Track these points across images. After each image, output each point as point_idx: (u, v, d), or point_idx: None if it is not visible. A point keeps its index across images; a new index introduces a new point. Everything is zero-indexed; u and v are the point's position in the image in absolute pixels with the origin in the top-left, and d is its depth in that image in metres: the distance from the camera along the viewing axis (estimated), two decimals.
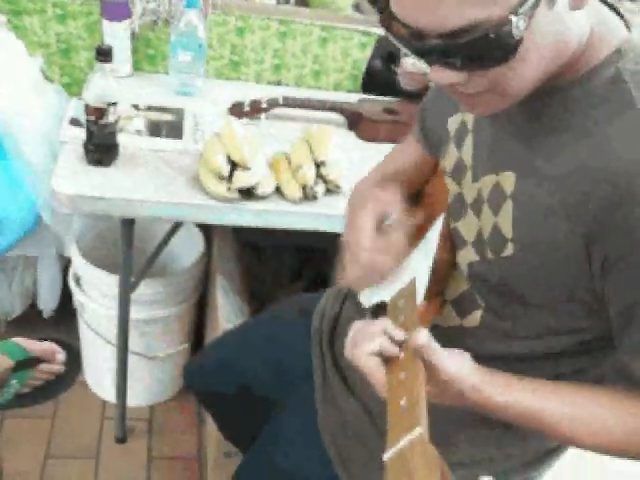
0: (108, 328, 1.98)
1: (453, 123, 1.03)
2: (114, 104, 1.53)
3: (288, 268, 2.27)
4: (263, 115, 1.87)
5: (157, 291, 1.96)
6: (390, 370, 0.84)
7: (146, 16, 2.03)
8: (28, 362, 1.34)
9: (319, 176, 1.58)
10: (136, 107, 1.78)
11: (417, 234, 1.03)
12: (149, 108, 1.80)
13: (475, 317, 0.96)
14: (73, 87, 2.06)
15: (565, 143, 0.80)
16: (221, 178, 1.50)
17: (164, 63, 2.07)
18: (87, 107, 1.52)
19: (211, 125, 1.77)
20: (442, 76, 0.75)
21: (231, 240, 2.13)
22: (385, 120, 1.89)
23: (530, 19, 0.69)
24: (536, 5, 0.69)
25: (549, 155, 0.82)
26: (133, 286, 1.80)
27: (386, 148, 1.82)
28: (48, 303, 2.26)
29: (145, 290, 1.90)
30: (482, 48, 0.70)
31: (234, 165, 1.51)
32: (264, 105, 1.86)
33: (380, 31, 2.15)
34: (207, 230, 2.19)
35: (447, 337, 0.89)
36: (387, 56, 2.28)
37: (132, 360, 1.99)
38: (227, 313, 1.82)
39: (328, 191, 1.62)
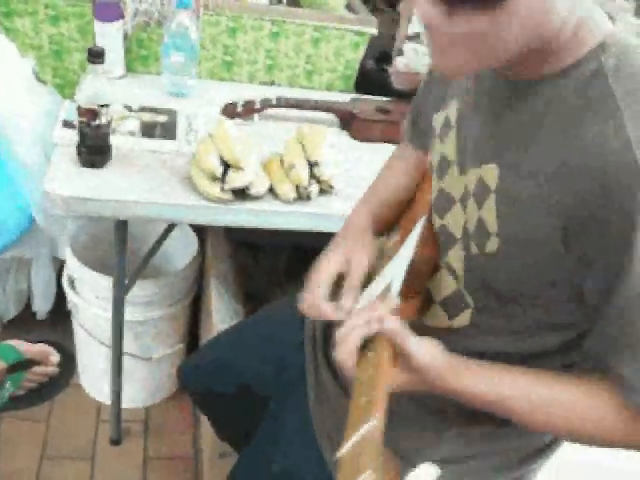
0: (102, 330, 1.98)
1: (438, 119, 1.04)
2: (107, 105, 1.53)
3: (282, 268, 2.27)
4: (256, 115, 1.87)
5: (151, 292, 1.96)
6: (359, 368, 0.85)
7: (138, 17, 2.03)
8: (22, 364, 1.33)
9: (313, 176, 1.58)
10: (129, 108, 1.78)
11: (402, 238, 1.05)
12: (142, 109, 1.80)
13: (465, 317, 0.96)
14: (66, 89, 2.06)
15: (546, 137, 0.81)
16: (214, 179, 1.50)
17: (157, 64, 2.07)
18: (79, 109, 1.51)
19: (204, 126, 1.77)
20: (425, 11, 0.74)
21: (225, 240, 2.13)
22: (378, 120, 1.89)
23: None
24: None
25: (529, 149, 0.82)
26: (127, 287, 1.80)
27: (379, 147, 1.84)
28: (42, 305, 2.26)
29: (139, 291, 1.90)
30: None
31: (227, 166, 1.51)
32: (257, 105, 1.86)
33: (373, 31, 2.15)
34: (201, 231, 2.19)
35: (437, 338, 0.90)
36: (380, 56, 2.29)
37: (127, 361, 1.99)
38: (221, 314, 1.82)
39: (322, 191, 1.62)
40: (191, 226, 2.19)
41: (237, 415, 1.46)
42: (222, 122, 1.58)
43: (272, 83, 2.18)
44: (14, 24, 1.96)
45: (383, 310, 0.88)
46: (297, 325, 1.34)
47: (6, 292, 2.24)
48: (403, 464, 1.03)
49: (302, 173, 1.55)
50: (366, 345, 0.87)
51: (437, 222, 1.00)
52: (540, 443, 1.11)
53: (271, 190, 1.58)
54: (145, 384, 2.22)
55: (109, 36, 1.93)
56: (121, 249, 1.68)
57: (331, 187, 1.61)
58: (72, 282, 2.05)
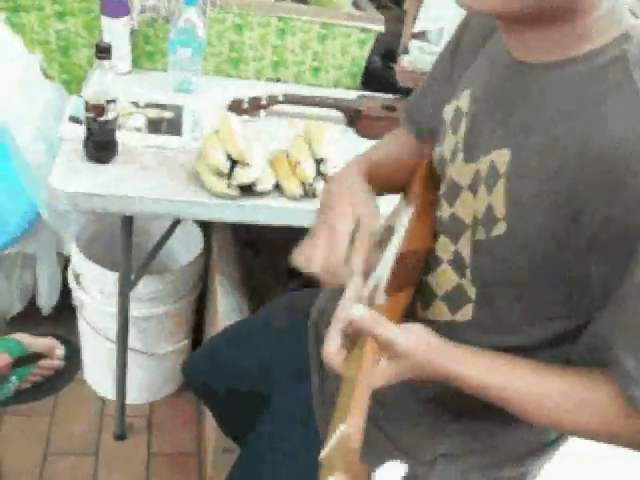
0: (107, 325, 1.98)
1: (449, 111, 1.04)
2: (113, 101, 1.53)
3: (286, 265, 2.27)
4: (262, 112, 1.87)
5: (156, 288, 1.96)
6: (345, 365, 0.85)
7: (145, 13, 2.03)
8: (28, 358, 1.34)
9: (319, 173, 1.58)
10: (135, 104, 1.78)
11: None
12: (148, 105, 1.80)
13: (467, 311, 0.96)
14: (73, 85, 2.06)
15: (562, 119, 0.81)
16: (220, 175, 1.50)
17: (163, 60, 2.07)
18: (86, 104, 1.52)
19: (210, 122, 1.77)
20: None
21: (230, 237, 2.13)
22: (384, 117, 1.89)
23: None
24: None
25: (545, 131, 0.82)
26: (132, 283, 1.80)
27: None
28: (47, 300, 2.27)
29: (144, 287, 1.91)
30: None
31: (233, 162, 1.51)
32: (263, 102, 1.86)
33: (379, 28, 2.15)
34: (206, 227, 2.20)
35: (440, 332, 0.91)
36: (385, 53, 2.28)
37: (131, 357, 1.99)
38: (226, 310, 1.82)
39: None
40: (196, 222, 2.19)
41: (238, 412, 1.47)
42: (228, 118, 1.58)
43: (278, 80, 2.18)
44: (21, 19, 1.96)
45: (358, 308, 0.86)
46: (295, 323, 1.34)
47: (11, 287, 2.24)
48: (406, 460, 1.03)
49: (308, 170, 1.55)
50: (355, 342, 0.87)
51: (446, 211, 1.00)
52: (541, 441, 1.11)
53: (277, 186, 1.58)
54: (149, 380, 2.22)
55: (116, 32, 1.93)
56: (127, 245, 1.69)
57: None
58: (77, 278, 2.06)
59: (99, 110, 1.51)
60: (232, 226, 2.13)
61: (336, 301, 1.26)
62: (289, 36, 2.11)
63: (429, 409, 1.06)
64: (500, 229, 0.87)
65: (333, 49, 2.16)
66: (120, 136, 1.61)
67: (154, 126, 1.73)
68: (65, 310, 2.24)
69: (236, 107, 1.84)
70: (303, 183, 1.56)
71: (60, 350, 1.39)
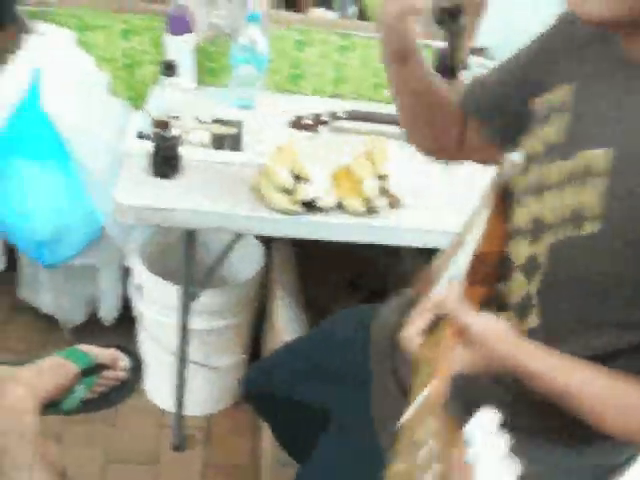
0: (167, 337, 2.00)
1: (541, 103, 1.02)
2: (178, 117, 1.56)
3: (346, 279, 2.27)
4: (324, 128, 1.88)
5: (217, 302, 1.98)
6: (424, 348, 0.87)
7: (209, 30, 2.07)
8: (93, 369, 1.36)
9: (381, 190, 1.58)
10: (199, 120, 1.81)
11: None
12: (211, 121, 1.83)
13: (534, 319, 0.96)
14: (137, 100, 2.10)
15: None
16: (283, 191, 1.52)
17: (225, 76, 2.10)
18: (152, 120, 1.55)
19: (271, 138, 1.79)
20: None
21: (290, 252, 2.15)
22: None
23: None
24: None
25: None
26: (193, 296, 1.82)
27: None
28: (109, 311, 2.31)
29: (205, 300, 1.93)
30: None
31: (296, 178, 1.52)
32: (325, 118, 1.87)
33: (439, 44, 2.15)
34: (266, 241, 2.21)
35: None
36: (445, 69, 2.27)
37: (191, 369, 2.02)
38: (286, 324, 1.83)
39: (390, 205, 1.62)
40: (257, 237, 2.21)
41: (297, 426, 1.47)
42: (291, 135, 1.60)
43: (339, 96, 2.19)
44: (90, 39, 2.02)
45: (449, 294, 0.89)
46: (359, 338, 1.34)
47: (74, 298, 2.29)
48: None
49: (370, 186, 1.55)
50: (433, 329, 0.89)
51: (525, 211, 0.99)
52: (607, 465, 1.09)
53: (339, 203, 1.59)
54: (208, 392, 2.24)
55: (180, 49, 1.97)
56: (189, 258, 1.71)
57: (399, 201, 1.61)
58: (138, 290, 2.09)
59: (164, 126, 1.54)
60: (292, 241, 2.15)
61: (398, 315, 1.26)
62: (350, 52, 2.12)
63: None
64: (593, 227, 0.86)
65: None
66: (183, 151, 1.64)
67: (216, 142, 1.76)
68: (126, 321, 2.28)
69: (298, 123, 1.86)
70: (365, 199, 1.57)
71: (124, 362, 1.41)
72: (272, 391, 1.46)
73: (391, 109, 2.06)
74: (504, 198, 1.06)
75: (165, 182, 1.59)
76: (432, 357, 0.83)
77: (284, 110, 1.96)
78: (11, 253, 2.31)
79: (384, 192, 1.59)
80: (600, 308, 0.89)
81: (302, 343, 1.51)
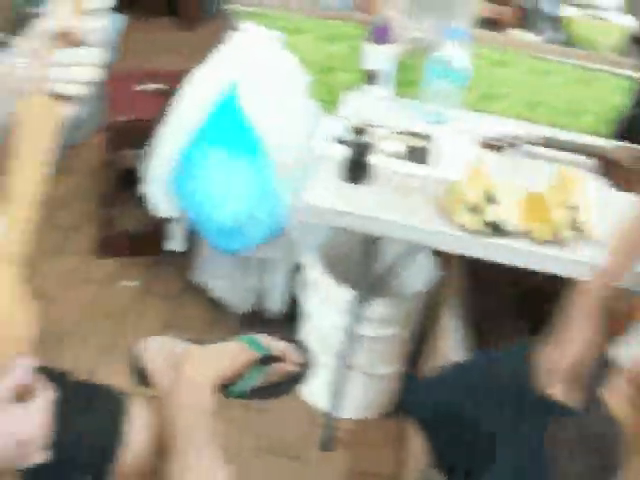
0: (332, 338, 2.04)
1: None
2: (374, 125, 1.59)
3: (518, 306, 2.23)
4: (514, 151, 1.86)
5: (385, 311, 1.99)
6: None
7: (409, 42, 2.09)
8: (268, 359, 1.41)
9: (570, 220, 1.54)
10: (391, 130, 1.83)
11: None
12: (403, 132, 1.85)
13: None
14: (330, 104, 2.15)
15: None
16: (471, 210, 1.51)
17: (418, 89, 2.11)
18: (350, 126, 1.58)
19: (460, 155, 1.78)
20: None
21: (464, 270, 2.13)
22: None
23: None
24: None
25: None
26: (365, 302, 1.84)
27: None
28: (276, 305, 2.38)
29: (374, 308, 1.94)
30: None
31: (486, 199, 1.51)
32: (516, 141, 1.84)
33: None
34: (441, 257, 2.20)
35: None
36: None
37: (349, 373, 2.04)
38: (451, 342, 1.82)
39: (577, 237, 1.57)
40: (432, 251, 2.20)
41: (456, 443, 1.46)
42: (480, 154, 1.59)
43: (531, 120, 2.15)
44: (296, 40, 2.09)
45: None
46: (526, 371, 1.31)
47: (244, 287, 2.38)
48: None
49: (560, 216, 1.52)
50: None
51: None
52: None
53: (525, 228, 1.56)
54: (362, 397, 2.26)
55: (380, 59, 1.99)
56: (366, 265, 1.74)
57: (586, 233, 1.57)
58: (309, 287, 2.14)
59: (360, 133, 1.58)
60: (467, 260, 2.13)
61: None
62: (548, 77, 2.08)
63: None
64: None
65: (592, 94, 2.10)
66: (374, 159, 1.67)
67: (405, 153, 1.77)
68: (290, 316, 2.34)
69: (488, 144, 1.84)
70: (553, 228, 1.53)
71: (296, 357, 1.45)
72: (437, 406, 1.46)
73: (584, 139, 2.02)
74: None
75: (354, 187, 1.62)
76: None
77: (475, 128, 1.95)
78: (190, 234, 2.41)
79: (573, 223, 1.55)
80: None
81: (473, 365, 1.50)
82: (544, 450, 1.19)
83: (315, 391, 2.30)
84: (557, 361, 1.23)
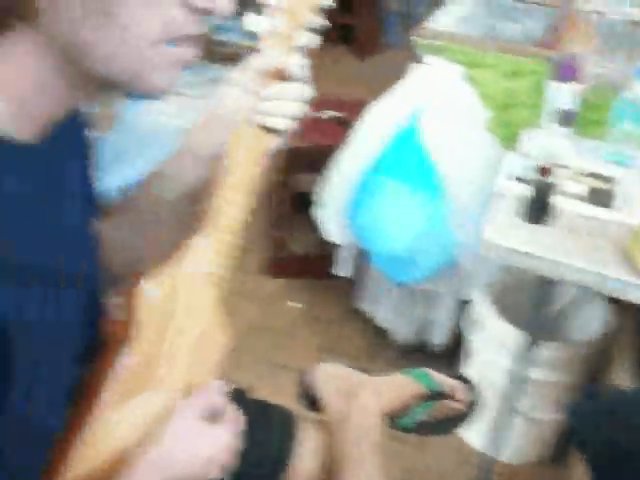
0: (495, 378, 2.00)
1: None
2: (559, 165, 1.56)
3: None
4: None
5: (553, 355, 1.94)
6: None
7: (594, 80, 2.03)
8: (437, 394, 1.41)
9: None
10: (573, 170, 1.79)
11: None
12: (585, 173, 1.80)
13: None
14: (508, 141, 2.12)
15: None
16: None
17: (603, 129, 2.05)
18: (531, 164, 1.56)
19: None
20: None
21: (637, 319, 2.04)
22: None
23: None
24: None
25: None
26: (534, 345, 1.80)
27: None
28: (439, 338, 2.37)
29: (542, 351, 1.89)
30: None
31: None
32: None
33: None
34: (618, 303, 2.11)
35: None
36: None
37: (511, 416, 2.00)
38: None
39: None
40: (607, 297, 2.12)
41: None
42: None
43: None
44: (476, 74, 2.08)
45: None
46: None
47: (408, 318, 2.38)
48: None
49: None
50: None
51: None
52: None
53: None
54: (522, 442, 2.19)
55: (564, 96, 1.95)
56: (539, 306, 1.70)
57: None
58: (475, 324, 2.11)
59: (546, 172, 1.55)
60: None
61: None
62: None
63: None
64: None
65: None
66: (556, 200, 1.63)
67: (590, 196, 1.72)
68: (453, 351, 2.32)
69: None
70: None
71: (464, 395, 1.44)
72: (613, 444, 1.40)
73: None
74: None
75: (534, 227, 1.59)
76: None
77: None
78: (357, 260, 2.44)
79: None
80: None
81: None
82: None
83: (473, 429, 2.26)
84: None
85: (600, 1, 2.22)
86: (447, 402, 1.43)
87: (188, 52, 0.71)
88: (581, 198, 1.70)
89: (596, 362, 2.08)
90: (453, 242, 2.00)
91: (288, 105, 0.89)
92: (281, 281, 2.81)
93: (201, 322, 0.89)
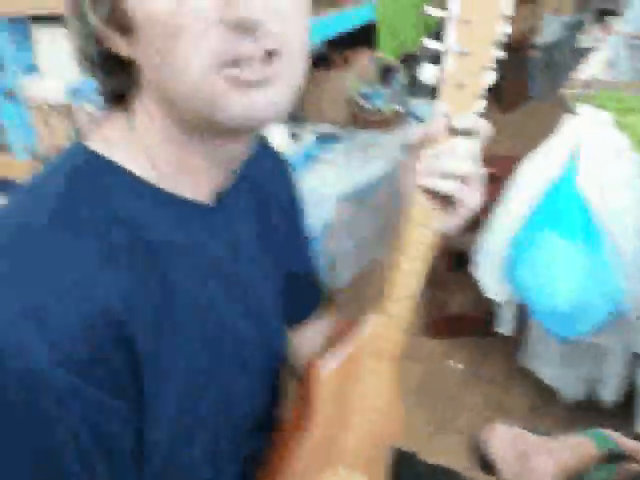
0: None
1: None
2: None
3: None
4: None
5: None
6: None
7: None
8: (616, 456, 1.34)
9: None
10: None
11: None
12: None
13: None
14: None
15: None
16: None
17: None
18: None
19: None
20: None
21: None
22: None
23: None
24: None
25: None
26: None
27: None
28: (610, 395, 2.26)
29: None
30: None
31: None
32: None
33: None
34: None
35: None
36: None
37: None
38: None
39: None
40: None
41: None
42: None
43: None
44: (628, 121, 2.03)
45: None
46: None
47: (576, 374, 2.29)
48: None
49: None
50: None
51: None
52: None
53: None
54: None
55: None
56: None
57: None
58: None
59: None
60: None
61: None
62: None
63: None
64: None
65: None
66: None
67: None
68: (627, 408, 2.21)
69: None
70: None
71: None
72: None
73: None
74: None
75: None
76: None
77: None
78: (520, 318, 2.39)
79: None
80: None
81: None
82: None
83: None
84: None
85: None
86: (630, 466, 1.36)
87: (253, 73, 0.69)
88: None
89: None
90: (619, 292, 1.93)
91: (460, 164, 0.83)
92: (442, 341, 2.79)
93: (379, 396, 0.89)
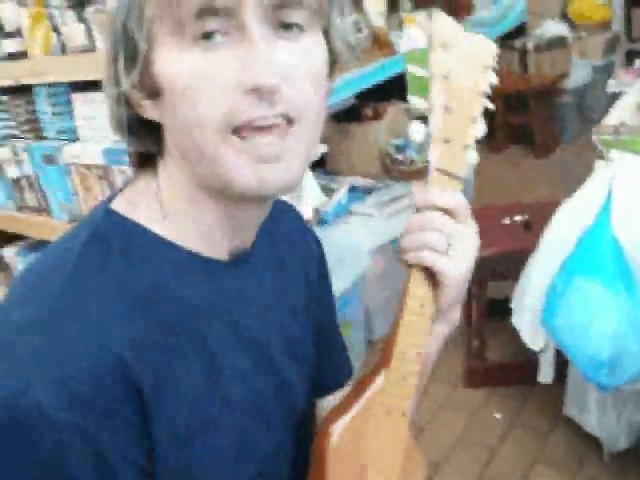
0: None
1: None
2: None
3: None
4: None
5: None
6: None
7: None
8: None
9: None
10: None
11: None
12: None
13: None
14: None
15: None
16: None
17: None
18: None
19: None
20: None
21: None
22: None
23: None
24: None
25: None
26: None
27: None
28: None
29: None
30: None
31: None
32: None
33: None
34: None
35: None
36: None
37: None
38: None
39: None
40: None
41: None
42: None
43: None
44: None
45: None
46: None
47: (619, 422, 2.25)
48: None
49: None
50: None
51: None
52: None
53: None
54: None
55: None
56: None
57: None
58: None
59: None
60: None
61: None
62: None
63: None
64: None
65: None
66: None
67: None
68: None
69: None
70: None
71: None
72: None
73: None
74: None
75: None
76: None
77: None
78: (561, 366, 2.36)
79: None
80: None
81: None
82: None
83: None
84: None
85: None
86: None
87: (264, 145, 0.69)
88: None
89: None
90: None
91: (430, 235, 0.82)
92: (483, 391, 2.76)
93: (394, 451, 0.89)
